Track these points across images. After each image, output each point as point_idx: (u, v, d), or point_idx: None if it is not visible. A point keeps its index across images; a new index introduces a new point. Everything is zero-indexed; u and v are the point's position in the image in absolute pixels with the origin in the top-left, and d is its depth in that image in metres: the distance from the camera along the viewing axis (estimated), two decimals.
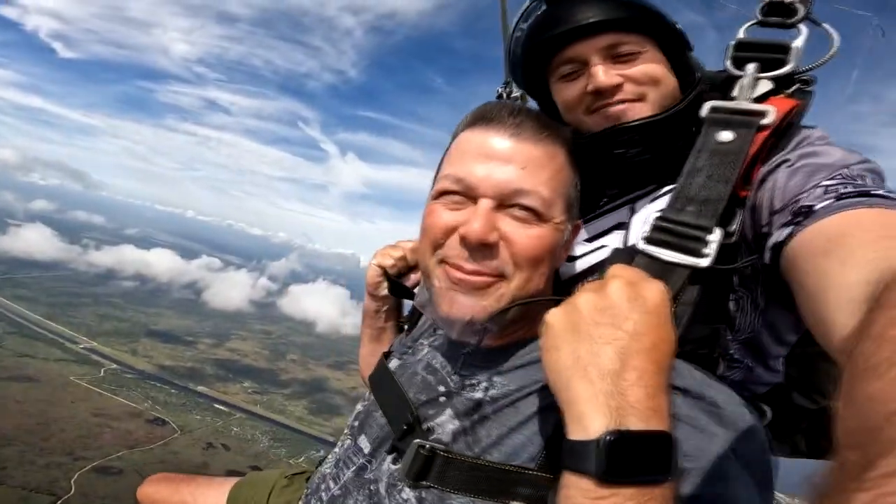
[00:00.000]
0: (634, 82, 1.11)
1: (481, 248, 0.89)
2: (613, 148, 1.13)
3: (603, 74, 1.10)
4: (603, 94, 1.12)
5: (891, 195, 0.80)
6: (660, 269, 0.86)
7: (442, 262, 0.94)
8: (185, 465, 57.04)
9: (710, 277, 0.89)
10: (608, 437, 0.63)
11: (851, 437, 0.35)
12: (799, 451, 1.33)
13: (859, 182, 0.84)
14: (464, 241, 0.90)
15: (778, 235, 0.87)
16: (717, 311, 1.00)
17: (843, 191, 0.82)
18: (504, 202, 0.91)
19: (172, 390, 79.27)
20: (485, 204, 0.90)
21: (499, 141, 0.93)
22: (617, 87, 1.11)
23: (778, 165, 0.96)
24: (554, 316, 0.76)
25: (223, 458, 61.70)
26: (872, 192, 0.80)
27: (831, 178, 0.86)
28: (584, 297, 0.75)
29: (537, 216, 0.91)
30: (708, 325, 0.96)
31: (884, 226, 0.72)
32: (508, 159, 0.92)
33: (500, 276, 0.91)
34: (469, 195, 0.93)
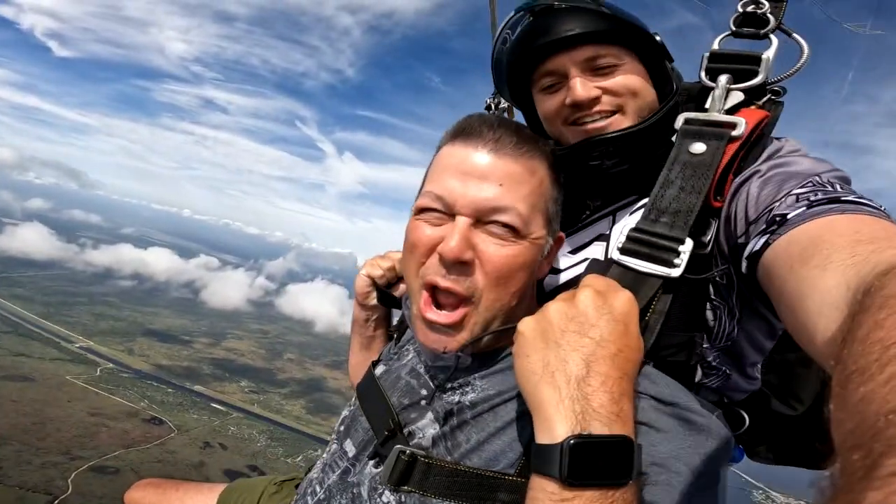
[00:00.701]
0: (612, 94, 1.12)
1: (457, 265, 0.91)
2: (590, 160, 1.14)
3: (581, 87, 1.11)
4: (581, 107, 1.12)
5: (860, 201, 0.81)
6: (633, 280, 0.89)
7: (422, 286, 0.95)
8: (183, 464, 56.97)
9: (682, 287, 0.91)
10: (571, 441, 0.65)
11: (851, 438, 0.35)
12: (778, 457, 1.35)
13: (829, 189, 0.86)
14: (441, 258, 0.91)
15: (754, 245, 0.87)
16: (694, 319, 1.02)
17: (813, 198, 0.84)
18: (482, 219, 0.92)
19: (169, 389, 78.96)
20: (461, 222, 0.91)
21: (477, 156, 0.93)
22: (595, 100, 1.12)
23: (751, 176, 0.97)
24: (525, 324, 0.79)
25: (220, 458, 61.53)
26: (842, 198, 0.82)
27: (802, 187, 0.88)
28: (554, 307, 0.77)
29: (515, 233, 0.91)
30: (685, 332, 0.99)
31: (856, 231, 0.73)
32: (486, 176, 0.92)
33: (469, 302, 0.92)
34: (448, 212, 0.93)
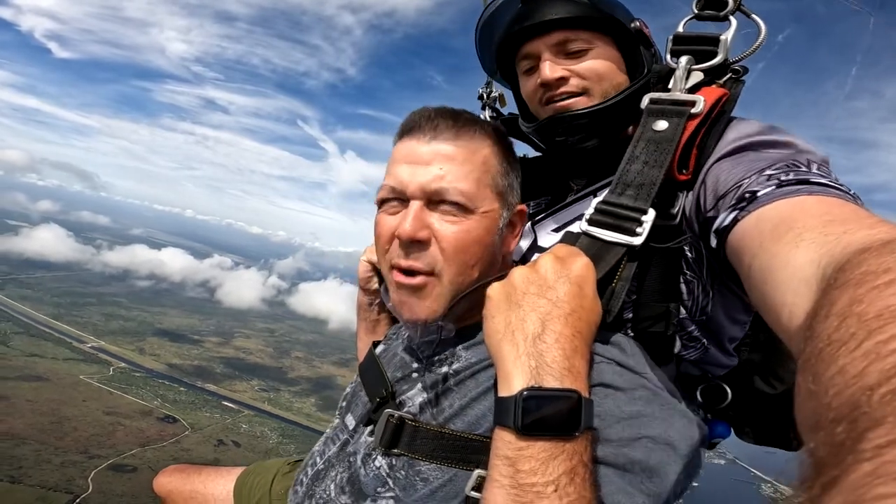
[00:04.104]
0: (579, 77, 1.20)
1: (414, 245, 0.98)
2: (556, 135, 1.23)
3: (548, 69, 1.20)
4: (550, 87, 1.21)
5: (830, 184, 0.83)
6: (599, 248, 0.93)
7: (390, 268, 1.04)
8: (198, 461, 57.14)
9: (651, 256, 0.99)
10: (525, 393, 0.70)
11: (830, 411, 0.35)
12: (758, 437, 1.36)
13: (803, 169, 0.88)
14: (399, 239, 1.00)
15: (722, 220, 0.90)
16: (669, 290, 1.08)
17: (784, 178, 0.86)
18: (433, 199, 0.99)
19: (181, 388, 79.91)
20: (414, 205, 0.99)
21: (420, 146, 1.02)
22: (561, 81, 1.20)
23: (723, 153, 1.01)
24: (493, 289, 0.86)
25: (234, 455, 62.20)
26: (811, 179, 0.84)
27: (774, 165, 0.90)
28: (518, 272, 0.84)
29: (463, 209, 0.99)
30: (661, 303, 1.07)
31: (827, 212, 0.74)
32: (430, 161, 1.00)
33: (432, 274, 0.99)
34: (402, 199, 1.02)
